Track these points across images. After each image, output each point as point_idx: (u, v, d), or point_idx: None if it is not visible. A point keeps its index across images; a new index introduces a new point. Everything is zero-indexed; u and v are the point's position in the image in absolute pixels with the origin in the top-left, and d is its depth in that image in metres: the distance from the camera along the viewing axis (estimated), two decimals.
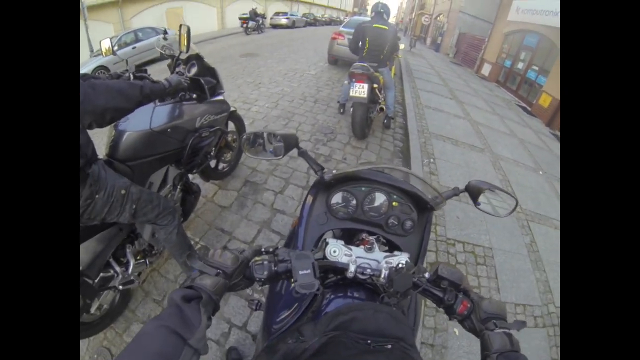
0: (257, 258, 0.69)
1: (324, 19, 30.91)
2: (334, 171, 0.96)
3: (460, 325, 0.66)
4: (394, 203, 0.98)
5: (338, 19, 34.37)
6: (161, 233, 1.58)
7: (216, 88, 2.06)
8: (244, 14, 15.59)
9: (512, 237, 2.85)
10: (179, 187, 1.90)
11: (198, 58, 1.99)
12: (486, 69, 12.96)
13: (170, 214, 1.55)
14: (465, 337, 1.87)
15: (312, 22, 26.26)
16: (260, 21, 16.13)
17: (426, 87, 7.58)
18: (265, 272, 0.66)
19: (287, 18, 20.25)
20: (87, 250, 1.31)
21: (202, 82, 1.65)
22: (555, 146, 6.37)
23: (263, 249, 0.72)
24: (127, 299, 1.81)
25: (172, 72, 1.99)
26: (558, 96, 7.66)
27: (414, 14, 32.10)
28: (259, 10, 16.97)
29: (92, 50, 9.49)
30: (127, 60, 2.10)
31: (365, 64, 3.61)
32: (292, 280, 0.65)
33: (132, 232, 1.62)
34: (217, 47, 11.02)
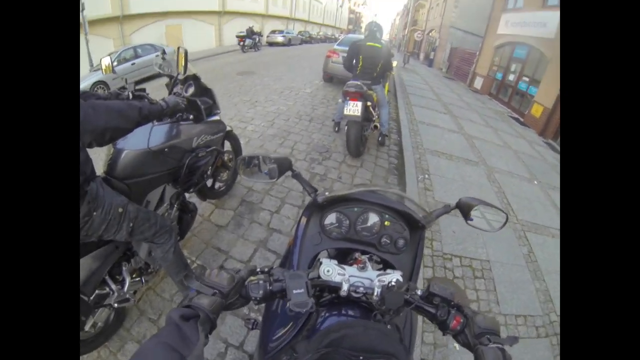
0: (252, 278, 0.71)
1: (319, 37, 31.70)
2: (326, 193, 0.99)
3: (454, 340, 0.67)
4: (386, 222, 1.00)
5: (333, 37, 35.18)
6: (158, 251, 1.58)
7: (212, 108, 2.10)
8: (241, 32, 15.97)
9: (510, 248, 2.86)
10: (175, 205, 1.91)
11: (195, 78, 2.05)
12: (478, 82, 13.24)
13: (167, 233, 1.56)
14: (466, 352, 1.85)
15: (308, 39, 26.92)
16: (257, 39, 16.51)
17: (420, 103, 7.71)
18: (261, 292, 0.68)
19: (283, 36, 20.81)
20: (83, 267, 1.31)
21: (199, 103, 1.69)
22: (549, 155, 6.47)
23: (258, 269, 0.74)
24: (122, 318, 1.79)
25: (170, 92, 2.04)
26: (550, 105, 7.86)
27: (406, 31, 33.01)
28: (256, 29, 17.36)
29: (92, 65, 9.57)
30: (126, 79, 2.15)
31: (359, 82, 3.68)
32: (287, 299, 0.66)
33: (129, 250, 1.62)
34: (214, 65, 11.21)
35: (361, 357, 0.58)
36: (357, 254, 1.00)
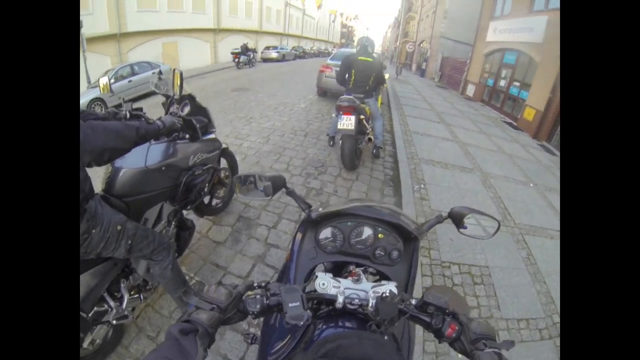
0: (250, 292, 0.73)
1: (312, 52, 32.27)
2: (320, 209, 1.02)
3: (451, 347, 0.68)
4: (379, 235, 1.02)
5: (326, 51, 35.86)
6: (156, 268, 1.59)
7: (208, 127, 2.15)
8: (235, 49, 16.19)
9: (508, 253, 2.87)
10: (173, 223, 1.92)
11: (191, 98, 2.10)
12: (470, 90, 13.46)
13: (165, 250, 1.57)
14: None
15: (302, 54, 27.38)
16: (252, 55, 16.77)
17: (413, 113, 7.82)
18: (258, 306, 0.70)
19: (277, 52, 21.17)
20: (82, 283, 1.31)
21: (194, 122, 1.73)
22: (544, 156, 6.54)
23: (256, 284, 0.76)
24: (120, 335, 1.78)
25: (166, 112, 2.09)
26: (541, 108, 8.00)
27: (398, 42, 33.64)
28: (250, 45, 17.67)
29: (89, 82, 9.58)
30: (123, 99, 2.20)
31: (351, 97, 3.75)
32: (283, 312, 0.68)
33: (127, 267, 1.63)
34: (209, 82, 11.36)
35: None
36: (351, 267, 1.02)
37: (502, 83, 10.94)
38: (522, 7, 9.72)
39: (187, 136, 1.84)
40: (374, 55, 4.21)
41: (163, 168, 1.67)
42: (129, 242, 1.37)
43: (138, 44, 14.21)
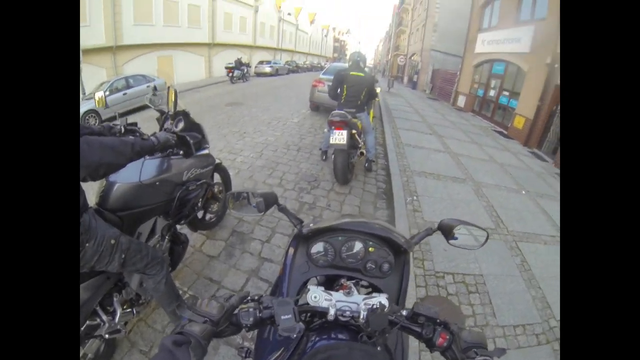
0: (243, 305, 0.74)
1: (305, 66, 32.69)
2: (311, 225, 1.05)
3: (443, 356, 0.70)
4: (370, 249, 1.04)
5: (319, 65, 36.37)
6: (150, 282, 1.58)
7: (201, 143, 2.18)
8: (229, 64, 16.34)
9: (502, 260, 2.90)
10: (167, 237, 1.93)
11: (185, 114, 2.13)
12: (461, 101, 13.74)
13: (159, 264, 1.57)
14: None
15: (295, 69, 27.75)
16: (245, 70, 16.94)
17: (405, 126, 7.93)
18: (251, 319, 0.72)
19: (270, 66, 21.46)
20: None
21: (188, 138, 1.75)
22: (535, 163, 6.67)
23: (249, 297, 0.77)
24: (113, 349, 1.75)
25: (160, 127, 2.12)
26: (531, 116, 8.21)
27: (389, 56, 34.38)
28: (244, 60, 17.86)
29: (84, 93, 9.57)
30: (118, 113, 2.23)
31: (343, 111, 3.81)
32: (276, 324, 0.70)
33: (120, 281, 1.62)
34: (203, 96, 11.43)
35: None
36: (343, 280, 1.04)
37: (492, 93, 11.21)
38: (508, 19, 10.05)
39: (181, 152, 1.87)
40: (366, 69, 4.30)
41: (157, 183, 1.68)
42: (123, 256, 1.37)
43: (134, 57, 14.29)
